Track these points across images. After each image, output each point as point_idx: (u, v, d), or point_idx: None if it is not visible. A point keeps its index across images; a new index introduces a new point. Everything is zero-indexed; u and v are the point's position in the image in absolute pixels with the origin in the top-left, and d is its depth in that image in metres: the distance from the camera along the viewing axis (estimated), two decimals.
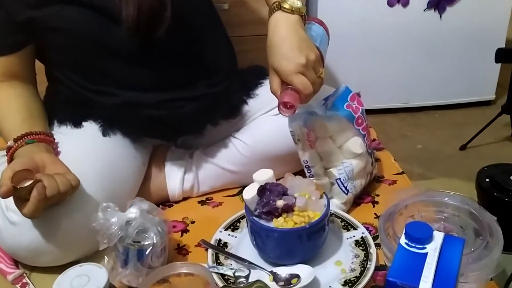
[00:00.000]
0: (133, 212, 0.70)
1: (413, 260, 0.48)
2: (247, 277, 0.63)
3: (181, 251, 0.83)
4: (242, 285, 0.57)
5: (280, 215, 0.72)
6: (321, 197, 0.76)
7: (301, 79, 0.71)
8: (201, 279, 0.64)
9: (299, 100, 0.72)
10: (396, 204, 0.72)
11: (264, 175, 0.76)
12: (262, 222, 0.72)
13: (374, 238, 0.80)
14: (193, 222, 0.91)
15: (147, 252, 0.70)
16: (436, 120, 1.45)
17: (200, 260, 0.76)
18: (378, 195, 0.95)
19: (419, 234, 0.50)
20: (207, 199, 0.97)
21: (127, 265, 0.71)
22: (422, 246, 0.50)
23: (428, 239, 0.50)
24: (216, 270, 0.74)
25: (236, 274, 0.73)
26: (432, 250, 0.49)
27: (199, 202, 0.96)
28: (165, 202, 0.96)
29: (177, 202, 0.96)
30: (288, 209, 0.72)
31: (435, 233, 0.51)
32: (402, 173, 1.02)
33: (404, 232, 0.52)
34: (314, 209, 0.73)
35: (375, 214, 0.89)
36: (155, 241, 0.71)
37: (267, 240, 0.73)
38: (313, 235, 0.72)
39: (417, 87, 1.48)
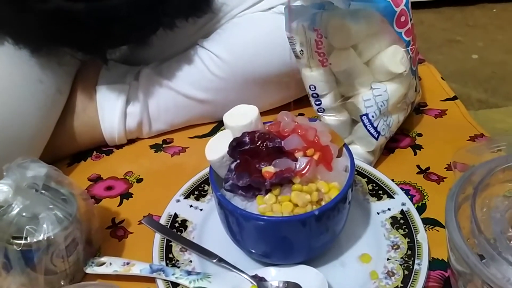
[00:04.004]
0: (1, 191, 0.42)
1: None
2: None
3: (116, 232, 0.59)
4: None
5: (269, 190, 0.46)
6: (339, 154, 0.50)
7: None
8: None
9: None
10: (473, 170, 0.46)
11: (242, 117, 0.49)
12: (239, 202, 0.47)
13: (419, 209, 0.57)
14: (139, 181, 0.67)
15: (38, 253, 0.47)
16: (496, 18, 1.20)
17: (144, 250, 0.54)
18: (420, 135, 0.71)
19: None
20: (164, 141, 0.74)
21: (11, 271, 0.48)
22: None
23: None
24: (162, 276, 0.49)
25: (195, 285, 0.48)
26: None
27: (152, 146, 0.73)
28: (101, 147, 0.73)
29: (120, 146, 0.73)
30: (283, 180, 0.46)
31: None
32: (454, 98, 0.79)
33: None
34: (327, 177, 0.47)
35: (418, 167, 0.65)
36: (51, 235, 0.47)
37: (247, 230, 0.49)
38: (326, 223, 0.47)
39: None
